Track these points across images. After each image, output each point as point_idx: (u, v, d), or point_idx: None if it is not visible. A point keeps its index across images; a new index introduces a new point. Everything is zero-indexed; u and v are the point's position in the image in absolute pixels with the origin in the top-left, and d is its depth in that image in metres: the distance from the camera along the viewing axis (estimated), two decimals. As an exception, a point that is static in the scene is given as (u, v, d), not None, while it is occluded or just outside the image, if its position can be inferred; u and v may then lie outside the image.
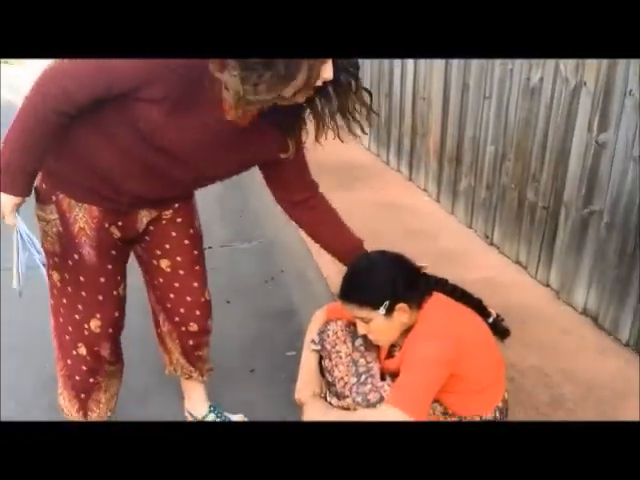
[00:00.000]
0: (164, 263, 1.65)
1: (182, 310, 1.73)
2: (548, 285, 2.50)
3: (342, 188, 3.78)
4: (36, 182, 1.41)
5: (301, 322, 2.49)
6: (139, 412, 2.00)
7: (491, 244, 2.90)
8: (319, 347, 1.66)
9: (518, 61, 2.52)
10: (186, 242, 1.67)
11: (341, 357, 1.60)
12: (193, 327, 1.76)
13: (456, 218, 3.24)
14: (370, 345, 1.62)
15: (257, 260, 3.15)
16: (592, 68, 2.10)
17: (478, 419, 1.45)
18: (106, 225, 1.48)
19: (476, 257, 2.79)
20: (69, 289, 1.52)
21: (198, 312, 1.75)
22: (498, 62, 2.68)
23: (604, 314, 2.19)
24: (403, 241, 3.00)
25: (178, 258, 1.66)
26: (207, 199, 3.97)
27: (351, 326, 1.65)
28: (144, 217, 1.55)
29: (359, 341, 1.61)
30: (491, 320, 1.56)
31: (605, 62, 2.04)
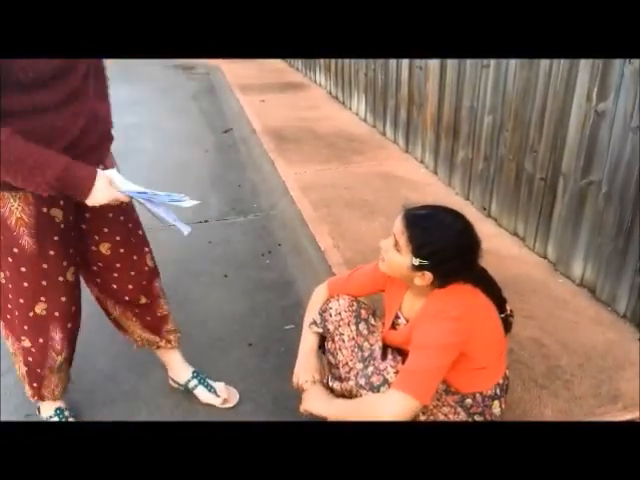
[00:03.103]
0: (104, 247, 1.64)
1: (130, 286, 1.72)
2: (546, 257, 2.50)
3: (340, 161, 3.76)
4: None
5: (298, 295, 2.49)
6: (140, 383, 2.02)
7: (489, 216, 2.89)
8: (321, 329, 1.63)
9: (517, 29, 2.47)
10: (122, 218, 1.65)
11: (344, 340, 1.58)
12: (143, 300, 1.76)
13: (453, 190, 3.22)
14: (372, 326, 1.60)
15: (254, 233, 3.14)
16: (592, 36, 2.06)
17: (479, 395, 1.46)
18: (45, 210, 1.46)
19: (473, 229, 2.79)
20: (10, 285, 1.52)
21: (145, 282, 1.74)
22: (496, 30, 2.62)
23: (601, 286, 2.20)
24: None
25: (117, 238, 1.65)
26: (204, 173, 3.98)
27: (354, 304, 1.61)
28: None
29: (362, 325, 1.59)
30: (502, 315, 1.53)
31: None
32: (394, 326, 1.57)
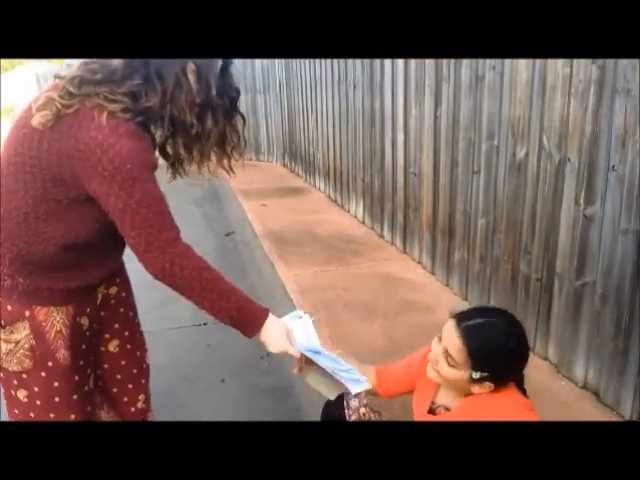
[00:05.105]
0: (112, 344, 1.63)
1: (130, 386, 1.69)
2: (546, 358, 2.47)
3: (339, 262, 3.81)
4: None
5: (298, 400, 2.43)
6: None
7: (487, 317, 2.88)
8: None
9: (503, 137, 2.61)
10: (130, 314, 1.66)
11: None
12: (141, 401, 1.71)
13: (452, 290, 3.24)
14: None
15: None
16: (574, 144, 2.18)
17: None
18: (78, 319, 1.45)
19: (473, 330, 2.77)
20: (38, 402, 1.44)
21: (144, 380, 1.72)
22: (484, 138, 2.77)
23: (605, 389, 2.15)
24: (400, 314, 3.00)
25: (126, 333, 1.65)
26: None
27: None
28: (99, 293, 1.54)
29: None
30: None
31: (587, 138, 2.11)
32: (432, 412, 1.49)
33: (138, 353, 1.70)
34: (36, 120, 1.23)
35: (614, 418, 2.08)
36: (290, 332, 1.48)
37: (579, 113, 2.14)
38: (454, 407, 1.43)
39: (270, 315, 1.46)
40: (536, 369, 2.42)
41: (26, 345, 1.39)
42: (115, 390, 1.68)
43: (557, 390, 2.28)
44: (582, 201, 2.16)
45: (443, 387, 1.47)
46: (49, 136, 1.23)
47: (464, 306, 3.01)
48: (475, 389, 1.34)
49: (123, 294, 1.64)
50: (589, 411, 2.13)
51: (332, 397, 1.57)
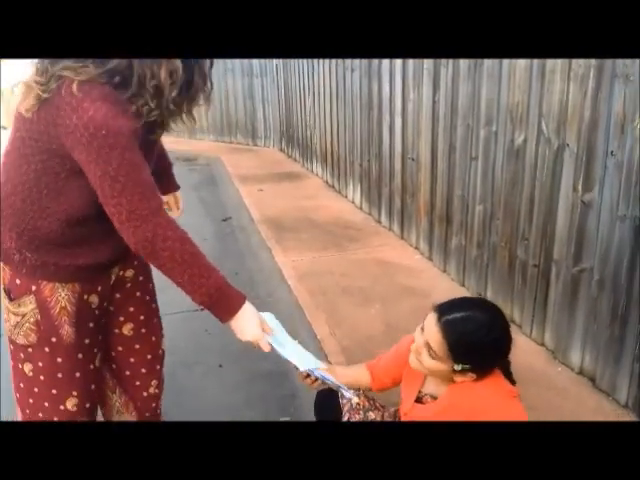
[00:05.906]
0: (127, 327, 1.63)
1: (144, 370, 1.69)
2: (543, 344, 2.48)
3: (337, 248, 3.81)
4: (4, 282, 1.43)
5: (294, 385, 2.44)
6: None
7: (484, 302, 2.89)
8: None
9: (502, 123, 2.59)
10: (147, 298, 1.66)
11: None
12: (153, 386, 1.72)
13: (449, 276, 3.25)
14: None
15: (250, 322, 3.12)
16: (573, 129, 2.16)
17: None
18: (85, 297, 1.46)
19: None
20: (41, 377, 1.46)
21: (158, 366, 1.73)
22: (482, 124, 2.75)
23: (601, 374, 2.17)
24: (398, 299, 3.01)
25: (141, 317, 1.65)
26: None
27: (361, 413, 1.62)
28: (113, 274, 1.55)
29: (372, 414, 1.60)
30: None
31: (586, 124, 2.10)
32: (419, 400, 1.51)
33: (153, 338, 1.70)
34: (22, 108, 1.26)
35: (610, 404, 2.10)
36: (264, 323, 1.47)
37: (578, 98, 2.13)
38: (439, 395, 1.45)
39: (247, 302, 1.44)
40: (533, 355, 2.43)
41: (31, 319, 1.41)
42: (128, 373, 1.69)
43: (554, 376, 2.29)
44: (580, 187, 2.16)
45: (429, 376, 1.49)
46: (39, 108, 1.25)
47: (461, 291, 3.02)
48: (458, 378, 1.37)
49: (140, 278, 1.63)
50: (585, 397, 2.15)
51: (301, 367, 1.52)
